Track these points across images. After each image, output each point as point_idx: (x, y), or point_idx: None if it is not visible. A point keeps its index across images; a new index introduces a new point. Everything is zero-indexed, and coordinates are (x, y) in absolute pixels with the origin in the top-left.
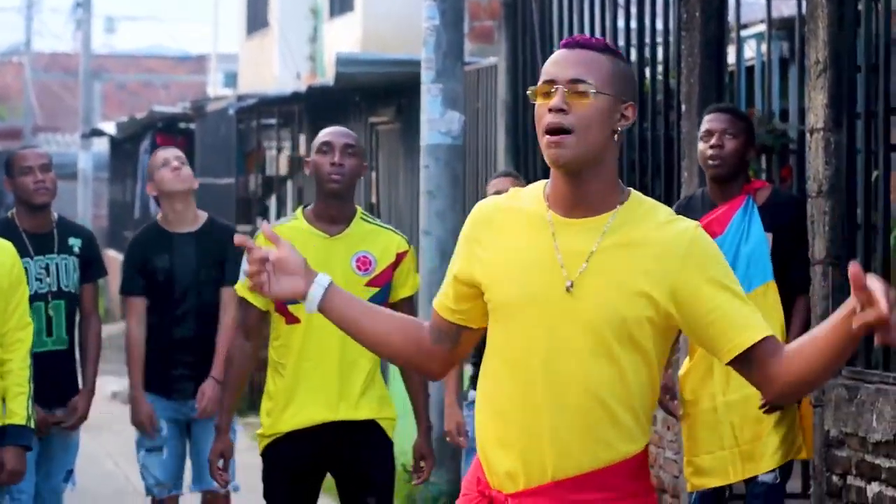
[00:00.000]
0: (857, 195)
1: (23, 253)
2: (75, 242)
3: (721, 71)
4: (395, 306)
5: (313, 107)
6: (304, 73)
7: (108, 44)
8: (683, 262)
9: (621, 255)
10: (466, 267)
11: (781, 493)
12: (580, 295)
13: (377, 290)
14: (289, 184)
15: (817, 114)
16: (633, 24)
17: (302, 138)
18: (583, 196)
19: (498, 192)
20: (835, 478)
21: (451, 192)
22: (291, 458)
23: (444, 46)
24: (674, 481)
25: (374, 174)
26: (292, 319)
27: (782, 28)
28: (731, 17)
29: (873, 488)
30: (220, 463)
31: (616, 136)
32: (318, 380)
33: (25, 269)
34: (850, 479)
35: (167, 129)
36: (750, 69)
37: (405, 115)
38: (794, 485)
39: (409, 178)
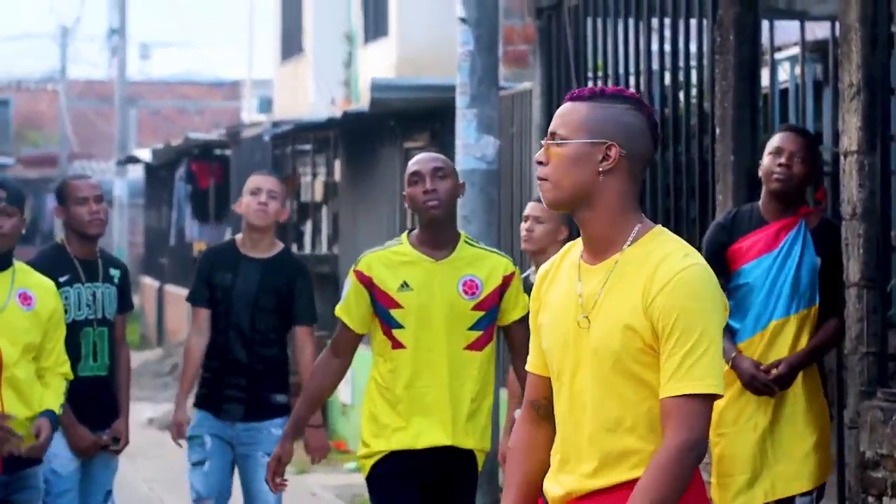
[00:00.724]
0: (891, 217)
1: (75, 279)
2: (115, 273)
3: (755, 94)
4: (507, 330)
5: (348, 132)
6: (338, 99)
7: (142, 70)
8: (662, 294)
9: (618, 293)
10: (535, 318)
11: None
12: (590, 332)
13: (483, 313)
14: (324, 209)
15: (851, 136)
16: (668, 48)
17: (337, 164)
18: (592, 241)
19: (528, 217)
20: (870, 499)
21: (486, 216)
22: (399, 475)
23: (478, 71)
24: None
25: None
26: (398, 345)
27: (816, 51)
28: (764, 39)
29: None
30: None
31: (604, 176)
32: (431, 404)
33: (77, 294)
34: (886, 501)
35: (203, 156)
36: (784, 92)
37: (440, 140)
38: None
39: None
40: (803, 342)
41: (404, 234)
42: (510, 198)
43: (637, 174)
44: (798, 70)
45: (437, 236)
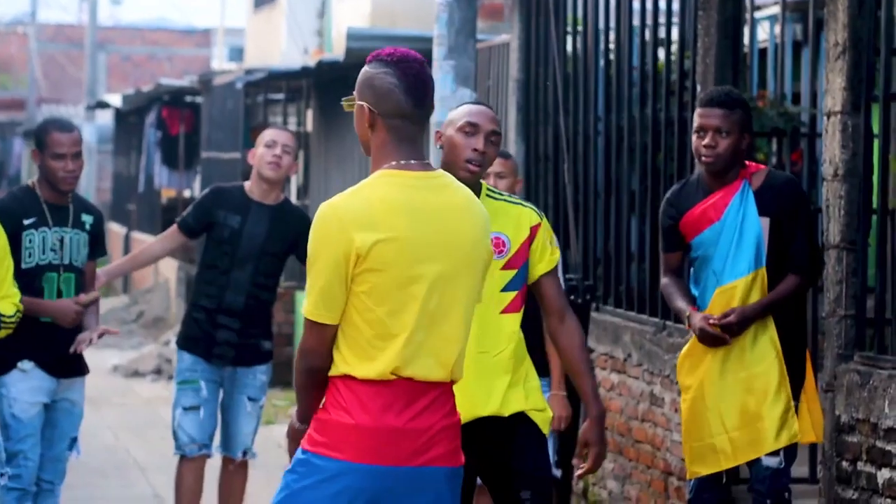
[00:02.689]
0: (872, 180)
1: (42, 223)
2: (88, 219)
3: (738, 51)
4: (535, 286)
5: (321, 82)
6: (311, 49)
7: (113, 15)
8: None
9: None
10: None
11: (786, 476)
12: None
13: (514, 272)
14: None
15: (835, 97)
16: (649, 4)
17: (309, 114)
18: None
19: (489, 174)
20: (845, 463)
21: None
22: None
23: (456, 23)
24: (680, 464)
25: None
26: None
27: (796, 10)
28: None
29: (884, 474)
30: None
31: (371, 130)
32: (466, 375)
33: (42, 238)
34: (860, 465)
35: (173, 103)
36: (763, 51)
37: None
38: (801, 470)
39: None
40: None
41: None
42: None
43: (396, 128)
44: (778, 29)
45: None
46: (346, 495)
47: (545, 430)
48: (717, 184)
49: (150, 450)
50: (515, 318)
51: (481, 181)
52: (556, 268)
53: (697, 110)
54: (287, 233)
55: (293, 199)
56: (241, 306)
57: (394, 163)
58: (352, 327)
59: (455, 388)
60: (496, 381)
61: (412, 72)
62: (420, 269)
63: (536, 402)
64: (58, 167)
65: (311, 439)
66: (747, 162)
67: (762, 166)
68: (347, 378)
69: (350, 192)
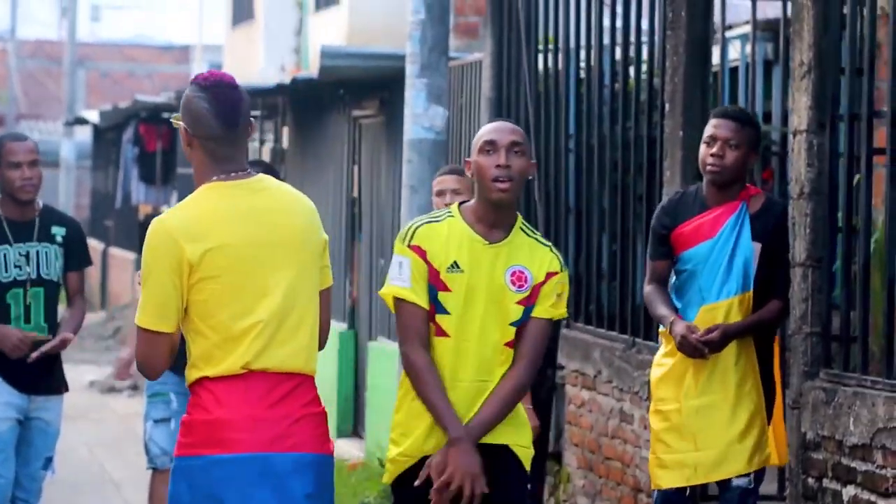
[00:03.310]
0: (838, 198)
1: (1, 240)
2: (59, 231)
3: (706, 71)
4: (528, 325)
5: (297, 99)
6: (288, 66)
7: (93, 32)
8: None
9: None
10: None
11: (755, 496)
12: None
13: (524, 309)
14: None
15: (801, 115)
16: (619, 23)
17: (285, 130)
18: None
19: (441, 192)
20: (811, 480)
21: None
22: (429, 485)
23: (429, 41)
24: (649, 481)
25: (356, 168)
26: (441, 333)
27: (767, 29)
28: (716, 17)
29: (849, 491)
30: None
31: (190, 150)
32: (470, 400)
33: (4, 255)
34: (825, 482)
35: (151, 119)
36: (734, 70)
37: (388, 109)
38: (769, 488)
39: (391, 172)
40: None
41: (455, 206)
42: None
43: (211, 150)
44: (749, 48)
45: (496, 217)
46: (217, 485)
47: (527, 466)
48: (717, 199)
49: (125, 465)
50: (511, 354)
51: (518, 214)
52: (550, 321)
53: (712, 121)
54: None
55: None
56: None
57: (214, 178)
58: (198, 335)
59: (464, 413)
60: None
61: (222, 96)
62: (254, 270)
63: (524, 439)
64: (14, 176)
65: (180, 444)
66: (748, 185)
67: (760, 190)
68: (202, 380)
69: (177, 206)
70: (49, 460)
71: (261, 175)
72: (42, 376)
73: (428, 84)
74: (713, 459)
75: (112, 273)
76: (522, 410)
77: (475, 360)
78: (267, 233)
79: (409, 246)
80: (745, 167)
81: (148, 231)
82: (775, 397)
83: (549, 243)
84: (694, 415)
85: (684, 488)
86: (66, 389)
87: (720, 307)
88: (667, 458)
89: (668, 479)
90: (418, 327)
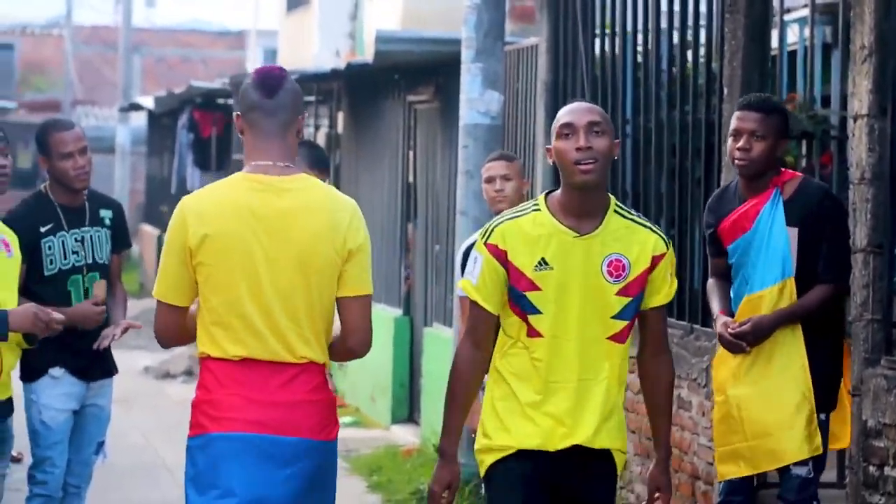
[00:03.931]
0: None
1: (58, 227)
2: (106, 214)
3: (765, 55)
4: (642, 317)
5: (352, 84)
6: (343, 51)
7: (148, 18)
8: None
9: None
10: None
11: (815, 485)
12: None
13: (629, 300)
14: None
15: (861, 100)
16: (676, 7)
17: (340, 116)
18: None
19: (491, 178)
20: (872, 468)
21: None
22: (521, 477)
23: (484, 25)
24: (707, 468)
25: (411, 153)
26: (534, 333)
27: (826, 13)
28: (775, 0)
29: None
30: (446, 494)
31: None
32: (567, 400)
33: (62, 242)
34: (887, 470)
35: (206, 105)
36: (792, 54)
37: (444, 95)
38: (829, 475)
39: (446, 157)
40: None
41: (541, 198)
42: (514, 152)
43: (254, 122)
44: (807, 32)
45: (585, 204)
46: (215, 461)
47: (620, 470)
48: (751, 190)
49: (179, 451)
50: (621, 349)
51: (611, 196)
52: (668, 303)
53: (735, 114)
54: None
55: None
56: None
57: (253, 164)
58: (201, 311)
59: (557, 413)
60: (593, 409)
61: (265, 72)
62: (249, 264)
63: (623, 441)
64: (67, 167)
65: (190, 425)
66: (783, 169)
67: (797, 174)
68: (207, 359)
69: (205, 188)
70: (101, 445)
71: (300, 176)
72: (98, 361)
73: (483, 69)
74: (762, 448)
75: None
76: (622, 408)
77: (576, 358)
78: (269, 231)
79: (485, 243)
80: (775, 155)
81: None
82: (840, 378)
83: (649, 222)
84: (739, 403)
85: (749, 477)
86: (117, 371)
87: (763, 296)
88: (722, 450)
89: (726, 471)
90: (476, 326)
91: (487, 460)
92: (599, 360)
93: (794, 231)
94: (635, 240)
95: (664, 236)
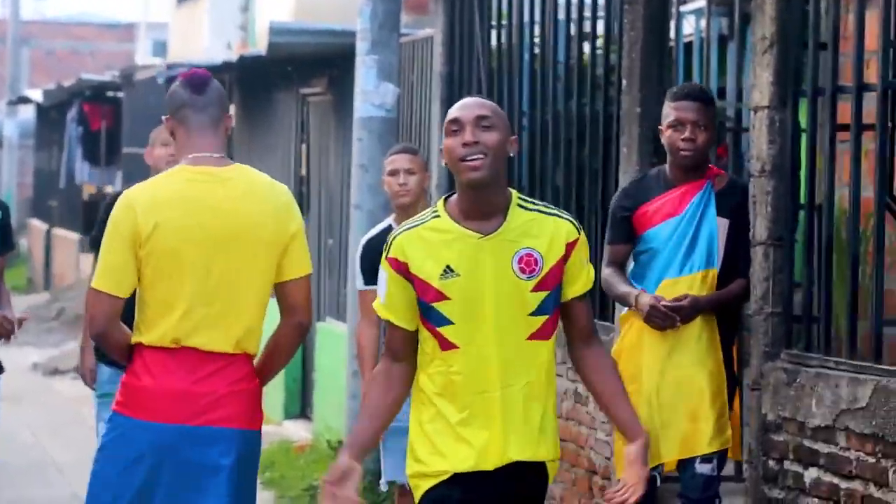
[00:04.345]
0: (799, 175)
1: None
2: None
3: (664, 46)
4: (564, 308)
5: (244, 77)
6: (234, 43)
7: (37, 10)
8: None
9: None
10: None
11: (718, 482)
12: None
13: (546, 294)
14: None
15: (762, 91)
16: None
17: (232, 109)
18: None
19: (394, 171)
20: (771, 462)
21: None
22: (464, 502)
23: (379, 17)
24: (605, 462)
25: (304, 146)
26: (448, 345)
27: (722, 4)
28: None
29: (811, 473)
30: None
31: None
32: (496, 412)
33: None
34: (787, 464)
35: (95, 98)
36: (688, 45)
37: (337, 87)
38: (727, 469)
39: (340, 150)
40: None
41: (440, 203)
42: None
43: (184, 118)
44: (703, 24)
45: (481, 204)
46: (136, 448)
47: (551, 481)
48: (684, 179)
49: (69, 449)
50: (545, 346)
51: (512, 191)
52: (588, 291)
53: (671, 104)
54: None
55: None
56: None
57: (191, 156)
58: (141, 301)
59: (489, 427)
60: (524, 419)
61: (190, 73)
62: (195, 252)
63: (556, 449)
64: None
65: (116, 400)
66: (710, 165)
67: (723, 171)
68: (139, 345)
69: (145, 182)
70: None
71: (236, 165)
72: None
73: (379, 61)
74: (675, 437)
75: (56, 254)
76: (554, 415)
77: (498, 365)
78: (217, 220)
79: (386, 258)
80: (713, 145)
81: (117, 201)
82: (736, 387)
83: (556, 209)
84: (656, 392)
85: (650, 473)
86: (2, 370)
87: (682, 282)
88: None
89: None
90: (393, 344)
91: (422, 486)
92: (522, 363)
93: (725, 222)
94: (544, 230)
95: (574, 221)
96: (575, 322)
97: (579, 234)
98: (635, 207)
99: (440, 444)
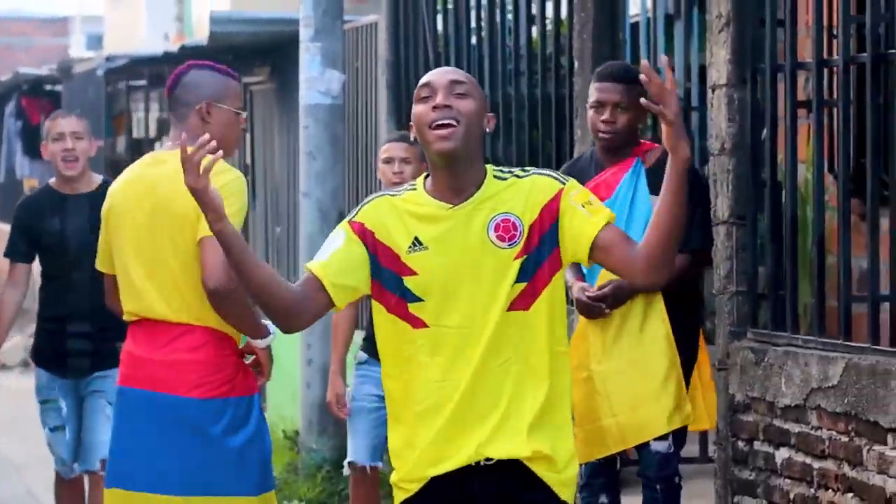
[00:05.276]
0: (759, 153)
1: None
2: None
3: (615, 26)
4: (597, 249)
5: None
6: (171, 34)
7: None
8: None
9: None
10: None
11: (676, 460)
12: None
13: (523, 260)
14: (157, 146)
15: (720, 70)
16: None
17: None
18: None
19: (389, 159)
20: (741, 443)
21: (332, 152)
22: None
23: (322, 4)
24: None
25: (248, 135)
26: (419, 323)
27: None
28: None
29: (782, 454)
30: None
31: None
32: (475, 401)
33: None
34: (756, 445)
35: (33, 92)
36: (634, 26)
37: (280, 76)
38: (691, 449)
39: (285, 139)
40: None
41: (420, 178)
42: (355, 134)
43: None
44: (650, 3)
45: (454, 179)
46: (120, 411)
47: (564, 496)
48: (611, 160)
49: (20, 446)
50: (531, 318)
51: (488, 166)
52: (610, 223)
53: (594, 84)
54: None
55: None
56: (88, 309)
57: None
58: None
59: (468, 419)
60: (517, 409)
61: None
62: (130, 228)
63: (564, 444)
64: None
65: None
66: (641, 140)
67: (656, 145)
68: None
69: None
70: None
71: (175, 150)
72: None
73: (323, 48)
74: (631, 422)
75: None
76: (563, 404)
77: (480, 342)
78: (146, 198)
79: (349, 221)
80: (636, 127)
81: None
82: (696, 357)
83: (534, 169)
84: (605, 379)
85: (611, 458)
86: None
87: None
88: (589, 428)
89: (591, 452)
90: (303, 284)
91: (399, 496)
92: (507, 335)
93: (656, 199)
94: (519, 192)
95: (555, 174)
96: (618, 248)
97: (564, 183)
98: None
99: (415, 444)
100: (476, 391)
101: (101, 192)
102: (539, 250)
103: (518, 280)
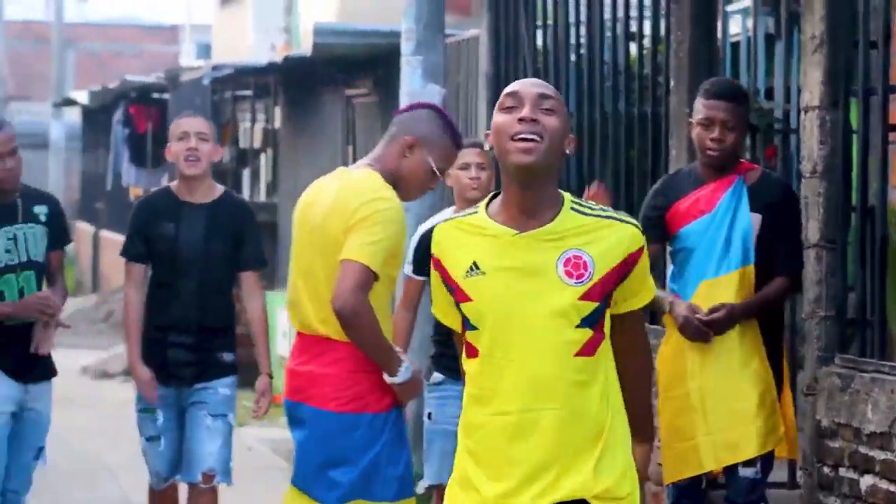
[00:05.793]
0: (851, 177)
1: None
2: (41, 210)
3: (712, 45)
4: (617, 320)
5: (289, 78)
6: (278, 45)
7: (81, 12)
8: None
9: None
10: None
11: (763, 486)
12: None
13: (595, 305)
14: (263, 156)
15: (812, 91)
16: None
17: (277, 110)
18: None
19: (466, 165)
20: (826, 469)
21: None
22: None
23: (424, 17)
24: (657, 469)
25: (350, 148)
26: (472, 352)
27: (768, 3)
28: None
29: (867, 481)
30: None
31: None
32: (528, 440)
33: None
34: (842, 471)
35: (141, 100)
36: (734, 45)
37: (383, 88)
38: (779, 475)
39: None
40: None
41: (484, 200)
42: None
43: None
44: (750, 23)
45: (527, 198)
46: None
47: None
48: (713, 177)
49: (119, 452)
50: (592, 364)
51: (565, 193)
52: (645, 306)
53: (703, 101)
54: (227, 230)
55: (262, 195)
56: (192, 319)
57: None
58: None
59: (517, 459)
60: (574, 451)
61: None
62: (297, 239)
63: (626, 484)
64: None
65: None
66: (742, 160)
67: (756, 166)
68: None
69: None
70: (40, 450)
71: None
72: (35, 362)
73: (423, 62)
74: (727, 441)
75: (103, 256)
76: (623, 444)
77: (527, 382)
78: (315, 213)
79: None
80: (743, 142)
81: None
82: (783, 386)
83: (617, 213)
84: (702, 396)
85: (698, 478)
86: (56, 374)
87: (721, 282)
88: (681, 447)
89: (680, 471)
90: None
91: None
92: (560, 382)
93: (758, 217)
94: (600, 234)
95: (639, 225)
96: (628, 334)
97: (643, 240)
98: (667, 206)
99: (469, 480)
100: (513, 433)
101: (218, 204)
102: (605, 300)
103: (581, 325)
